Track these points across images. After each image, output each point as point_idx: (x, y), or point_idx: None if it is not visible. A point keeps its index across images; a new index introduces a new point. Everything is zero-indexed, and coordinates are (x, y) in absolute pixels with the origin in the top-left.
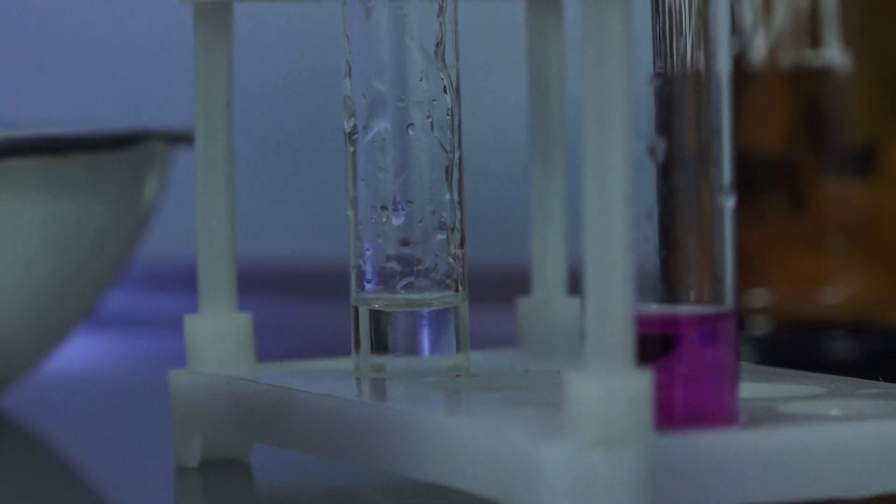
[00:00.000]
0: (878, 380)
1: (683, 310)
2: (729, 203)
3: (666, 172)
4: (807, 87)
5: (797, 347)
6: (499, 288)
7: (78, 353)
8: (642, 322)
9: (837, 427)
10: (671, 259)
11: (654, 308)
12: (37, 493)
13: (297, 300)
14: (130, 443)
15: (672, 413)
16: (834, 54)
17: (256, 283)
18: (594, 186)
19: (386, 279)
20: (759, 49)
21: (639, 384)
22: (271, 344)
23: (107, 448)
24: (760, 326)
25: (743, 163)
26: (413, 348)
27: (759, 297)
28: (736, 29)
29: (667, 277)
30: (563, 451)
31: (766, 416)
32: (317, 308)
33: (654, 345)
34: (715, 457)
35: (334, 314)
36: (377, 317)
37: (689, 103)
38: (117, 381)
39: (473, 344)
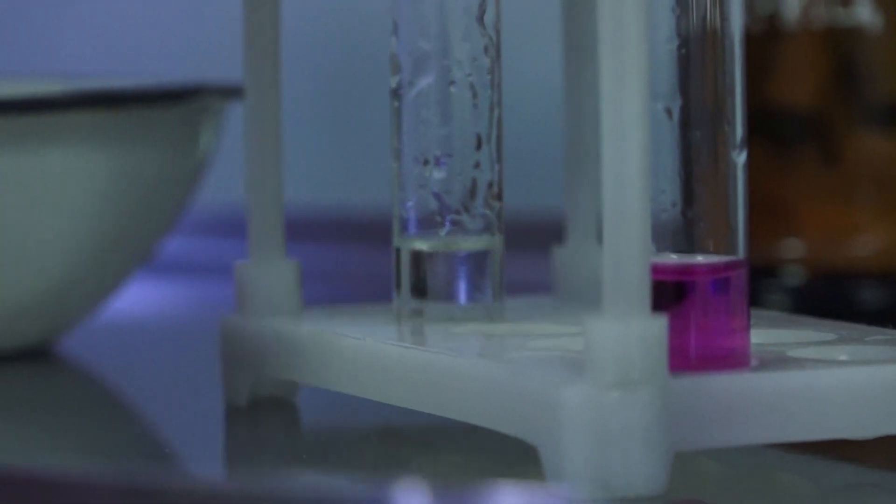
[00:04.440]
0: (891, 327)
1: (698, 259)
2: (741, 158)
3: (682, 129)
4: (838, 44)
5: (829, 297)
6: (536, 236)
7: (136, 297)
8: (658, 270)
9: (844, 371)
10: (687, 211)
11: (671, 257)
12: (94, 430)
13: (342, 246)
14: (183, 383)
15: (686, 357)
16: (864, 13)
17: (304, 230)
18: (612, 139)
19: (426, 227)
20: (792, 7)
21: (654, 329)
22: (317, 289)
23: (161, 388)
24: (793, 276)
25: (777, 117)
26: (451, 293)
27: (793, 248)
28: None
29: (683, 228)
30: (582, 393)
31: (775, 360)
32: (361, 254)
33: (669, 292)
34: (726, 398)
35: (377, 260)
36: (417, 258)
37: (706, 63)
38: (172, 324)
39: (510, 290)
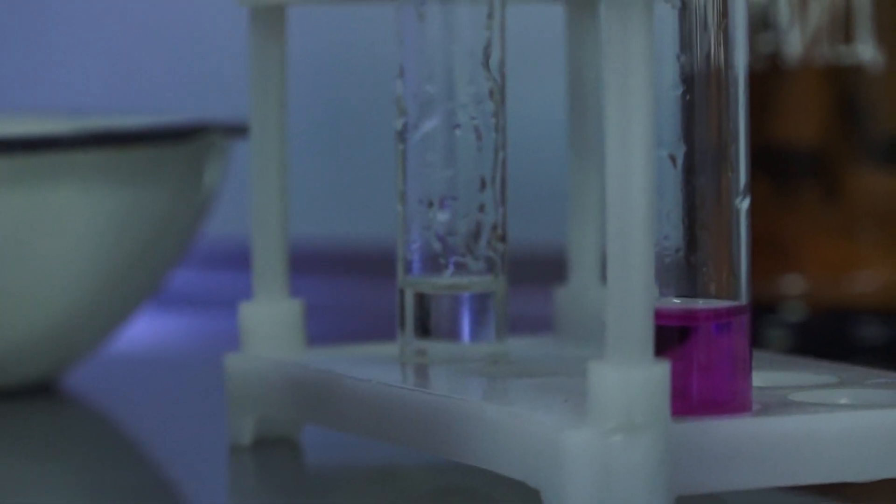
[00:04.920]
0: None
1: (700, 304)
2: (744, 204)
3: (686, 176)
4: (840, 82)
5: (830, 333)
6: (539, 271)
7: (142, 332)
8: (661, 315)
9: (844, 415)
10: (690, 256)
11: (674, 302)
12: (98, 468)
13: (346, 280)
14: (188, 420)
15: (688, 401)
16: (866, 51)
17: (309, 264)
18: (617, 186)
19: (430, 269)
20: (794, 46)
21: (656, 374)
22: (321, 322)
23: (166, 425)
24: (795, 312)
25: (779, 154)
26: (454, 333)
27: (794, 284)
28: (772, 26)
29: (686, 273)
30: (585, 437)
31: (777, 405)
32: (364, 288)
33: (672, 336)
34: (728, 443)
35: (380, 293)
36: (421, 300)
37: (710, 110)
38: (178, 359)
39: (513, 322)
